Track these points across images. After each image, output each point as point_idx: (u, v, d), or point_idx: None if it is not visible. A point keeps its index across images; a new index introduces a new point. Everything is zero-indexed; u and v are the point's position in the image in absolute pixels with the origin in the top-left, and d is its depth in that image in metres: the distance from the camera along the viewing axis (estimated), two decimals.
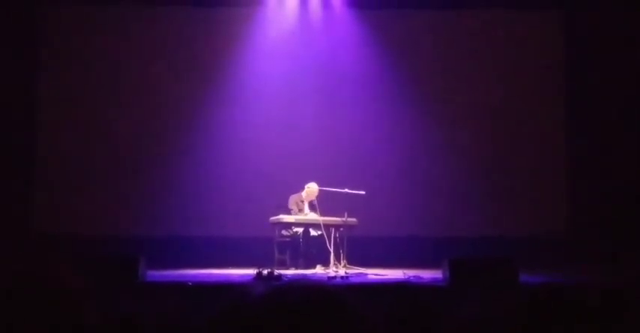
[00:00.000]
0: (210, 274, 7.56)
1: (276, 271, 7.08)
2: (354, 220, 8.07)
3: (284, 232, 8.47)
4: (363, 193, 8.08)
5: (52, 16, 9.70)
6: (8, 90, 9.36)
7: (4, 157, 9.23)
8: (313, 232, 8.32)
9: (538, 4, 9.78)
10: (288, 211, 8.44)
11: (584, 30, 9.55)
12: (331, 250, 7.83)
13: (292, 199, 8.60)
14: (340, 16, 9.86)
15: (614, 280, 6.47)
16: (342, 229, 8.03)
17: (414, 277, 7.03)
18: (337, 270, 7.65)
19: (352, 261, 7.93)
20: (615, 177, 9.35)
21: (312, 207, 8.59)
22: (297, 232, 8.39)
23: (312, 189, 8.52)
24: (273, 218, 8.32)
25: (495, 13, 9.92)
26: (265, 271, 6.94)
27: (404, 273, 7.26)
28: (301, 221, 8.33)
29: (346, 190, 8.07)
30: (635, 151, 9.40)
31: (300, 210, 8.56)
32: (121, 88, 9.73)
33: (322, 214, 8.18)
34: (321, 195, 8.30)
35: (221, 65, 9.72)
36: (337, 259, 7.85)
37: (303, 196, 8.60)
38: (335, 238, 7.94)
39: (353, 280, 7.07)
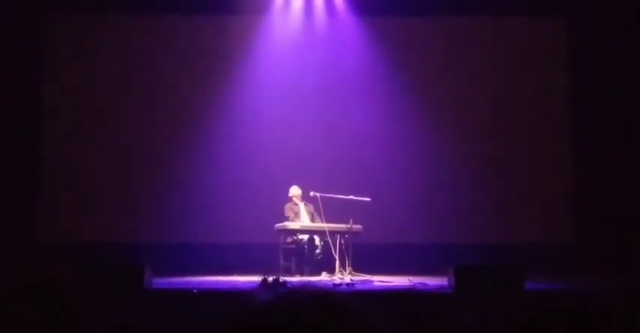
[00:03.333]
0: (216, 281, 7.55)
1: (282, 278, 7.07)
2: (359, 226, 8.08)
3: (289, 239, 8.47)
4: (369, 199, 8.09)
5: (59, 25, 9.76)
6: (14, 100, 9.39)
7: (8, 167, 9.26)
8: (318, 239, 8.32)
9: (540, 11, 9.79)
10: (287, 219, 8.47)
11: (585, 35, 9.56)
12: (336, 257, 7.82)
13: (287, 207, 8.66)
14: (344, 22, 9.90)
15: (620, 288, 6.44)
16: (347, 235, 8.03)
17: (419, 284, 7.01)
18: (342, 277, 7.64)
19: (357, 268, 7.92)
20: (623, 184, 9.31)
21: (308, 209, 8.60)
22: (302, 239, 8.38)
23: (291, 191, 8.64)
24: (278, 225, 8.33)
25: (497, 20, 9.95)
26: (271, 278, 6.93)
27: (409, 280, 7.24)
28: (306, 228, 8.34)
29: (351, 196, 8.08)
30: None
31: (297, 213, 8.57)
32: (127, 97, 9.76)
33: (327, 220, 8.17)
34: (327, 202, 8.30)
35: (225, 72, 9.75)
36: (342, 266, 7.85)
37: (294, 200, 8.63)
38: (340, 244, 7.94)
39: (358, 287, 7.04)
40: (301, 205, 8.66)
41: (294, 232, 8.35)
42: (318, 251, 8.31)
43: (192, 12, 9.82)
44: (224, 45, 9.83)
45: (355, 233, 8.05)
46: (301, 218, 8.56)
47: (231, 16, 9.81)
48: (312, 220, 8.53)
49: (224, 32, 9.86)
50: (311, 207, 8.57)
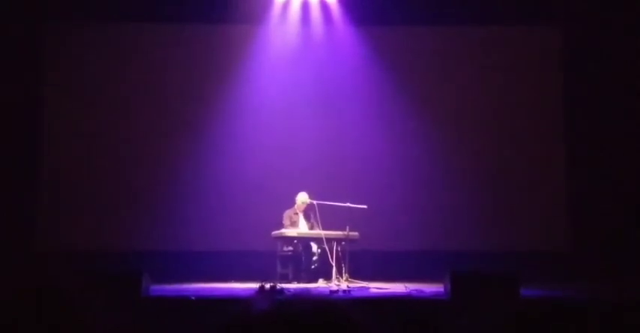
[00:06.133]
0: (213, 288, 7.56)
1: (279, 285, 7.09)
2: (355, 233, 8.09)
3: (286, 247, 8.48)
4: (365, 207, 8.10)
5: (56, 33, 9.76)
6: (12, 106, 9.39)
7: (7, 174, 9.25)
8: (315, 246, 8.33)
9: (537, 20, 9.83)
10: (284, 227, 8.47)
11: (582, 43, 9.60)
12: (333, 264, 7.84)
13: (286, 214, 8.64)
14: (341, 32, 9.93)
15: (615, 295, 6.47)
16: (344, 242, 8.04)
17: (415, 290, 7.03)
18: (339, 284, 7.65)
19: (354, 275, 7.93)
20: (616, 191, 9.34)
21: (308, 219, 8.60)
22: (299, 246, 8.39)
23: (300, 198, 8.56)
24: (275, 232, 8.34)
25: (494, 29, 9.98)
26: (268, 285, 6.95)
27: (405, 287, 7.26)
28: (303, 235, 8.34)
29: (348, 204, 8.09)
30: (636, 165, 9.40)
31: (294, 223, 8.57)
32: (124, 106, 9.77)
33: (324, 228, 8.20)
34: (323, 209, 8.33)
35: (223, 81, 9.76)
36: (339, 273, 7.86)
37: (296, 208, 8.64)
38: (337, 251, 7.95)
39: (355, 294, 7.06)
40: (301, 215, 8.65)
41: (291, 239, 8.36)
42: (315, 258, 8.33)
43: (191, 21, 9.83)
44: (221, 54, 9.84)
45: (352, 240, 8.07)
46: (298, 227, 8.55)
47: (229, 25, 9.82)
48: (312, 229, 8.52)
49: (222, 41, 9.87)
50: (312, 218, 8.55)
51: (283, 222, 8.56)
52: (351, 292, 7.12)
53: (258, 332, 1.13)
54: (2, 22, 9.32)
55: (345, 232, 7.96)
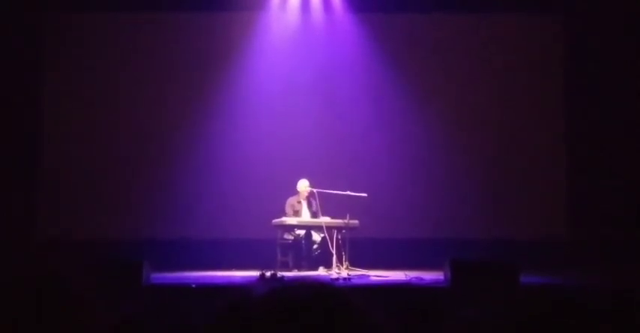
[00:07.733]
0: (214, 276, 7.59)
1: (279, 273, 7.12)
2: (355, 222, 8.11)
3: (286, 235, 8.50)
4: (365, 195, 8.11)
5: (55, 24, 9.73)
6: (12, 97, 9.37)
7: (8, 163, 9.25)
8: (315, 234, 8.35)
9: (538, 8, 9.79)
10: (285, 215, 8.47)
11: (583, 32, 9.57)
12: (333, 252, 7.86)
13: (289, 202, 8.64)
14: (341, 19, 9.90)
15: (614, 282, 6.49)
16: (344, 231, 8.07)
17: (415, 278, 7.05)
18: (339, 272, 7.68)
19: (354, 263, 7.96)
20: (615, 179, 9.34)
21: (311, 207, 8.62)
22: (299, 234, 8.41)
23: (301, 184, 8.56)
24: (275, 220, 8.35)
25: (495, 17, 9.95)
26: (268, 273, 6.99)
27: (405, 275, 7.28)
28: (303, 223, 8.36)
29: (348, 192, 8.11)
30: (635, 154, 9.40)
31: (297, 211, 8.58)
32: (123, 94, 9.76)
33: (324, 216, 8.22)
34: (324, 197, 8.34)
35: (222, 69, 9.75)
36: (339, 260, 7.89)
37: (299, 196, 8.64)
38: (337, 240, 7.98)
39: (355, 281, 7.09)
40: (304, 203, 8.66)
41: (292, 227, 8.38)
42: (315, 246, 8.35)
43: (190, 9, 9.79)
44: (221, 42, 9.82)
45: (352, 228, 8.09)
46: (301, 216, 8.56)
47: (229, 13, 9.79)
48: (314, 217, 8.52)
49: (222, 29, 9.84)
50: (314, 205, 8.56)
51: (286, 211, 8.55)
52: (352, 280, 7.14)
53: (258, 318, 1.13)
54: (2, 22, 9.29)
55: (346, 221, 7.98)
